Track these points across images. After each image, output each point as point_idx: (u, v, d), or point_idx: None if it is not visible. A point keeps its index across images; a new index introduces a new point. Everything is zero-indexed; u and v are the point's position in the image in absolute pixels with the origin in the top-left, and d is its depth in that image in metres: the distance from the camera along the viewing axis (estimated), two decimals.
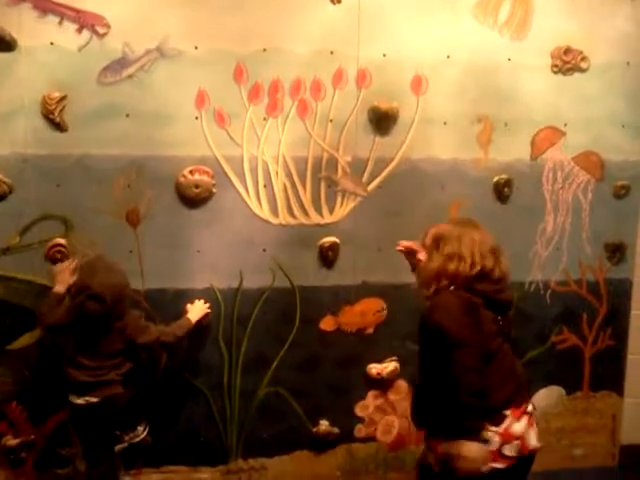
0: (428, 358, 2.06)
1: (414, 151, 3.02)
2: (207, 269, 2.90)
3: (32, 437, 2.85)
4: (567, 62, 3.10)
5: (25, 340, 2.80)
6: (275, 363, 3.05)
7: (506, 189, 3.14)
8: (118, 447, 2.64)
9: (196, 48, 2.80)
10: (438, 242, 2.09)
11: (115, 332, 2.54)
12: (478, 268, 2.02)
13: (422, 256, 2.17)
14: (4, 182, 2.69)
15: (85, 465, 2.63)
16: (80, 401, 2.56)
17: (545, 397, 3.35)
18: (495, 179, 3.12)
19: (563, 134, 3.16)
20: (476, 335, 1.93)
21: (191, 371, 2.97)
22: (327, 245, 2.99)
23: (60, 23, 2.69)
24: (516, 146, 3.13)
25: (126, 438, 2.65)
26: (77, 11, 2.70)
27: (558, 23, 3.07)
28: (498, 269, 2.06)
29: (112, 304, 2.47)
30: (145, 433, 2.74)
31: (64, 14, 2.69)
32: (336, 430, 3.14)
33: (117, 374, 2.57)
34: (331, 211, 3.00)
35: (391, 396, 3.17)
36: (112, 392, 2.55)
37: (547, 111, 3.13)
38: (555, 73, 3.10)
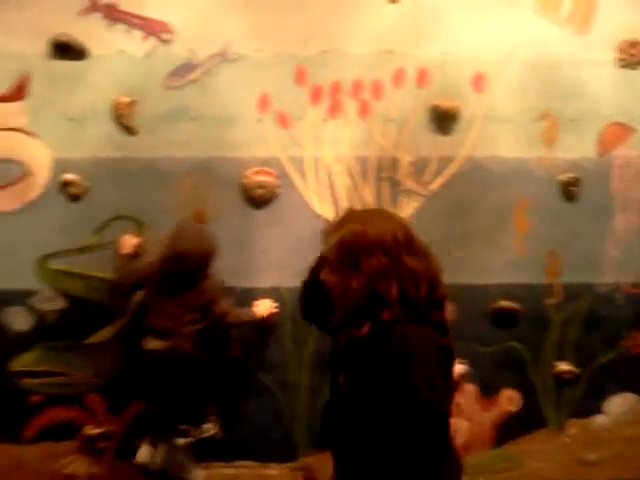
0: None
1: (477, 150, 2.98)
2: (273, 268, 2.91)
3: (112, 427, 2.91)
4: (634, 55, 3.01)
5: (103, 334, 2.88)
6: None
7: (573, 188, 3.05)
8: (185, 440, 2.63)
9: (258, 51, 2.84)
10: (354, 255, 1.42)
11: (197, 290, 2.60)
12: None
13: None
14: (80, 184, 2.78)
15: (161, 454, 2.64)
16: (152, 344, 2.61)
17: (618, 404, 3.19)
18: (561, 178, 3.03)
19: (632, 130, 3.06)
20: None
21: (259, 368, 2.96)
22: None
23: (128, 31, 2.77)
24: (582, 143, 3.04)
25: (193, 433, 2.65)
26: (143, 19, 2.79)
27: (623, 16, 2.99)
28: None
29: (192, 267, 2.54)
30: (215, 429, 2.73)
31: (131, 22, 2.78)
32: None
33: (191, 330, 2.61)
34: (394, 211, 2.97)
35: (459, 399, 3.07)
36: (181, 344, 2.59)
37: (614, 107, 3.04)
38: (622, 67, 3.02)
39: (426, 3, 2.88)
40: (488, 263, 2.98)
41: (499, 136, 2.99)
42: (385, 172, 2.95)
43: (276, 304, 2.85)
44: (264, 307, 2.80)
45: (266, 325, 2.84)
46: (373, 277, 1.39)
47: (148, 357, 2.64)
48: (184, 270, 2.55)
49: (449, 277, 2.87)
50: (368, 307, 1.41)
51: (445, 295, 1.49)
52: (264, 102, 2.87)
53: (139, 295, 2.74)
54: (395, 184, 2.96)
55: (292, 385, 2.99)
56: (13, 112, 2.74)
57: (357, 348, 1.43)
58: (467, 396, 3.08)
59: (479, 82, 2.95)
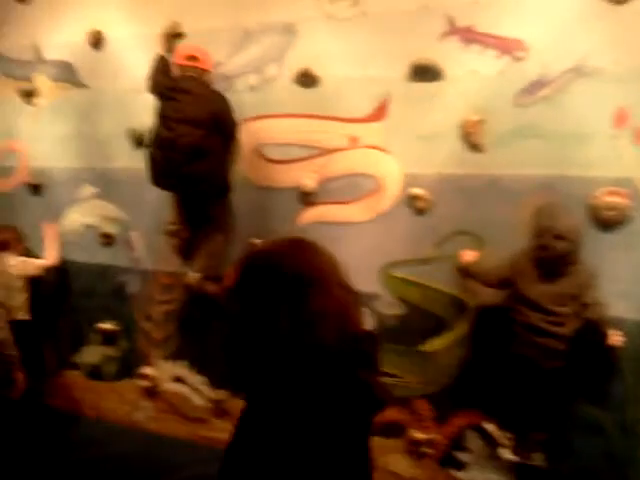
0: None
1: None
2: (617, 297, 2.71)
3: (436, 435, 3.03)
4: None
5: (436, 344, 3.00)
6: None
7: None
8: (511, 457, 2.61)
9: (615, 64, 2.67)
10: None
11: (571, 276, 2.53)
12: None
13: None
14: (426, 198, 2.93)
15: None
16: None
17: None
18: None
19: None
20: None
21: (593, 404, 2.80)
22: None
23: (481, 51, 2.83)
24: None
25: (519, 452, 2.61)
26: (498, 38, 2.81)
27: None
28: None
29: (574, 245, 2.48)
30: (541, 459, 2.67)
31: (486, 42, 2.82)
32: None
33: (567, 330, 2.54)
34: None
35: None
36: (553, 344, 2.53)
37: None
38: None
39: None
40: None
41: None
42: None
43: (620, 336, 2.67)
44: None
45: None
46: None
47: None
48: (570, 248, 2.47)
49: None
50: None
51: None
52: (621, 118, 2.69)
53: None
54: None
55: (630, 425, 2.76)
56: (373, 131, 2.99)
57: None
58: None
59: None
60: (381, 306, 3.09)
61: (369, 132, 3.01)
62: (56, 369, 4.09)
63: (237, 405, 3.41)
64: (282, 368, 1.18)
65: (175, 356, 3.72)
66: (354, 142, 3.05)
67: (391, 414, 3.09)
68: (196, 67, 3.05)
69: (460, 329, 2.94)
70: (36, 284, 3.76)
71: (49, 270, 3.75)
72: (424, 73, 2.89)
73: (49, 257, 3.73)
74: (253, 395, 1.27)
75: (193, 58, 3.06)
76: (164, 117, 3.03)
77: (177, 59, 3.11)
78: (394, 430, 3.11)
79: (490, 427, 2.88)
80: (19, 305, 3.63)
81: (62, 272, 3.91)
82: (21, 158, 4.06)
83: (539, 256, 2.55)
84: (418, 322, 3.04)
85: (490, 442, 2.88)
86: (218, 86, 3.23)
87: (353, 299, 1.30)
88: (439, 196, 2.94)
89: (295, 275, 1.21)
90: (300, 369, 1.17)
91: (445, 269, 2.94)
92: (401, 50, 2.92)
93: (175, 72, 3.11)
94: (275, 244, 1.32)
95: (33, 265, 3.67)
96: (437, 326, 3.00)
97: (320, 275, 1.25)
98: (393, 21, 2.91)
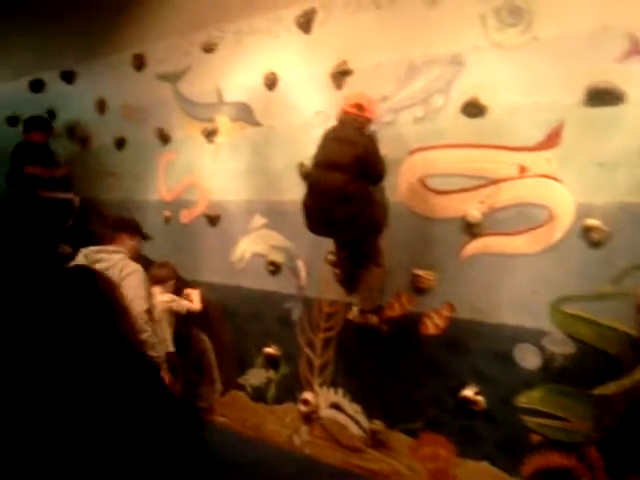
0: None
1: None
2: None
3: None
4: None
5: (611, 387, 2.76)
6: None
7: None
8: None
9: None
10: None
11: None
12: None
13: None
14: (602, 230, 2.74)
15: None
16: None
17: None
18: None
19: None
20: None
21: None
22: None
23: None
24: None
25: None
26: None
27: None
28: None
29: None
30: None
31: None
32: None
33: None
34: None
35: None
36: None
37: None
38: None
39: None
40: None
41: None
42: None
43: None
44: None
45: None
46: None
47: None
48: None
49: None
50: None
51: None
52: None
53: None
54: None
55: None
56: (544, 160, 2.88)
57: None
58: None
59: None
60: (550, 343, 2.90)
61: (540, 161, 2.89)
62: (224, 389, 4.34)
63: (394, 437, 3.42)
64: None
65: (333, 383, 3.78)
66: (523, 171, 2.94)
67: (558, 460, 2.87)
68: (361, 116, 3.15)
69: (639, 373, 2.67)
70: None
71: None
72: (603, 97, 2.73)
73: (196, 304, 4.12)
74: None
75: (359, 107, 3.17)
76: (316, 163, 3.19)
77: (344, 106, 3.22)
78: (563, 478, 2.87)
79: None
80: (166, 337, 3.97)
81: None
82: (201, 192, 4.44)
83: None
84: (590, 362, 2.81)
85: None
86: (383, 119, 3.33)
87: None
88: (616, 227, 2.72)
89: None
90: None
91: (622, 306, 2.71)
92: (576, 74, 2.79)
93: (339, 117, 3.23)
94: None
95: (182, 305, 4.06)
96: (611, 367, 2.75)
97: None
98: (567, 45, 2.80)
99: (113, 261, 3.11)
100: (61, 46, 5.45)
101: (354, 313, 3.46)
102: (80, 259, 3.15)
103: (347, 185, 3.00)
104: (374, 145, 3.13)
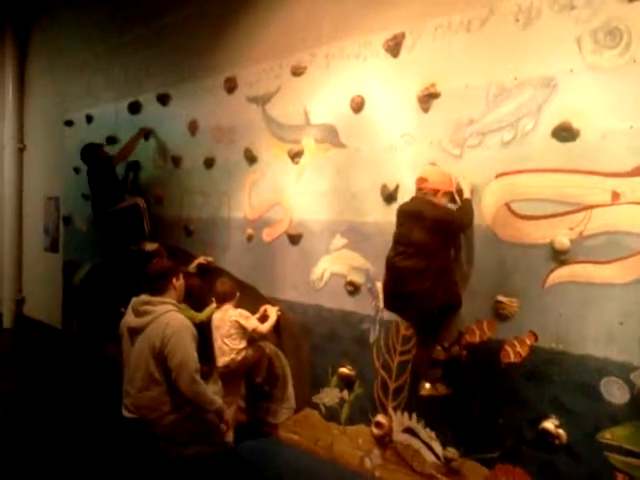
0: None
1: None
2: None
3: None
4: None
5: None
6: None
7: None
8: None
9: None
10: None
11: None
12: None
13: None
14: None
15: None
16: None
17: None
18: None
19: None
20: None
21: None
22: None
23: None
24: None
25: None
26: None
27: None
28: None
29: None
30: None
31: None
32: None
33: None
34: None
35: None
36: None
37: None
38: None
39: None
40: None
41: None
42: None
43: None
44: None
45: None
46: None
47: None
48: None
49: None
50: None
51: None
52: None
53: None
54: None
55: None
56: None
57: None
58: None
59: None
60: (639, 378, 2.76)
61: (635, 187, 2.79)
62: (297, 406, 4.38)
63: (468, 466, 3.34)
64: None
65: (407, 407, 3.73)
66: (616, 197, 2.84)
67: None
68: (426, 189, 3.28)
69: None
70: None
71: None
72: None
73: (266, 325, 4.28)
74: None
75: (423, 180, 3.30)
76: (394, 239, 3.31)
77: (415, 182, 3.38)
78: None
79: None
80: (238, 347, 4.19)
81: None
82: (284, 211, 4.55)
83: None
84: None
85: None
86: (469, 143, 3.32)
87: None
88: None
89: None
90: None
91: None
92: None
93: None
94: None
95: (250, 323, 4.21)
96: None
97: None
98: None
99: (157, 313, 3.15)
100: (158, 70, 5.79)
101: (426, 389, 3.43)
102: (129, 310, 3.28)
103: (418, 263, 3.11)
104: (444, 211, 3.23)
